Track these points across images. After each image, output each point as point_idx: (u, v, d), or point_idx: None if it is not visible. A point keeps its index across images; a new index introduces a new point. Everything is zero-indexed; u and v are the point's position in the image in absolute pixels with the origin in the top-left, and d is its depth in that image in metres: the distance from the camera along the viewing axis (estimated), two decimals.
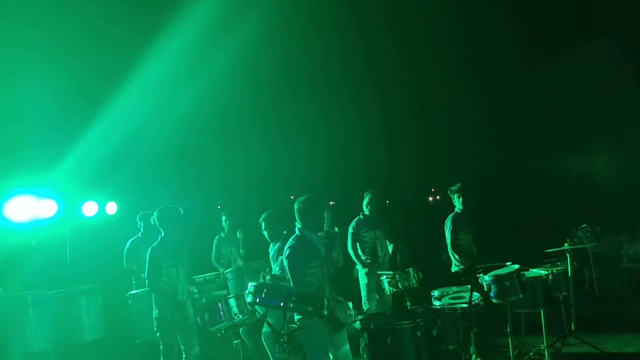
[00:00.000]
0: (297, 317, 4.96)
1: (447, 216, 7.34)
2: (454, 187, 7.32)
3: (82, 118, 9.41)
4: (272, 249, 6.78)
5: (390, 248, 7.55)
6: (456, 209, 7.32)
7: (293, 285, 4.87)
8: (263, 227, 6.73)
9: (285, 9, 9.98)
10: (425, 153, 15.48)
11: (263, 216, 6.73)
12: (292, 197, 14.43)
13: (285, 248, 5.10)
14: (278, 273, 6.59)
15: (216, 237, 9.34)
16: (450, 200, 7.42)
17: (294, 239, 5.10)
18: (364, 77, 13.10)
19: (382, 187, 8.16)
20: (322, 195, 5.63)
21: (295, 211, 5.15)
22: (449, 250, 7.28)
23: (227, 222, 9.18)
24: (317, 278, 4.95)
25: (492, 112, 14.41)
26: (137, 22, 9.22)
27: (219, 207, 13.24)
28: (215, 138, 12.35)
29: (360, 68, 12.95)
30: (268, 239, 6.77)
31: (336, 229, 8.21)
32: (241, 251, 9.03)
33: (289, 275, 4.98)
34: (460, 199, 7.24)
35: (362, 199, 7.67)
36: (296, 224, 5.19)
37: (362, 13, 11.72)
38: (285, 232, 6.76)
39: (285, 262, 5.01)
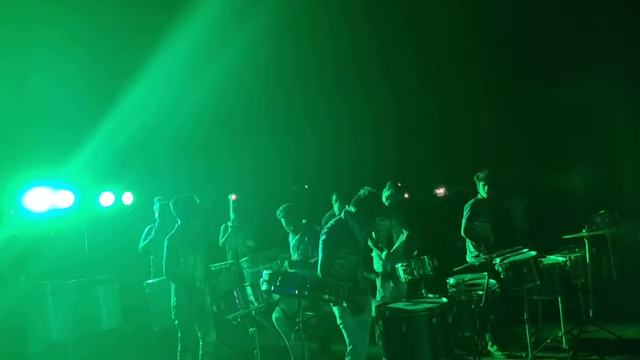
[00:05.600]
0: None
1: (466, 203, 7.13)
2: (481, 174, 7.05)
3: (99, 110, 9.50)
4: (292, 239, 6.81)
5: (404, 236, 7.51)
6: (478, 196, 7.08)
7: (320, 264, 4.90)
8: (284, 223, 6.74)
9: (295, 3, 9.92)
10: (437, 143, 15.30)
11: (281, 212, 6.71)
12: (307, 186, 14.47)
13: (323, 229, 5.12)
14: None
15: (223, 225, 9.36)
16: (459, 192, 7.30)
17: (334, 222, 5.12)
18: (374, 70, 12.99)
19: (394, 178, 8.07)
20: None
21: (357, 196, 5.13)
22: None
23: (235, 213, 9.17)
24: (349, 265, 4.98)
25: (508, 103, 14.24)
26: (149, 17, 9.25)
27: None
28: (231, 130, 12.37)
29: (370, 60, 12.83)
30: (292, 233, 6.79)
31: None
32: (249, 242, 9.03)
33: (319, 254, 4.98)
34: (486, 187, 6.98)
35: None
36: (347, 207, 5.19)
37: (373, 4, 11.61)
38: (304, 220, 6.77)
39: (320, 242, 5.01)
